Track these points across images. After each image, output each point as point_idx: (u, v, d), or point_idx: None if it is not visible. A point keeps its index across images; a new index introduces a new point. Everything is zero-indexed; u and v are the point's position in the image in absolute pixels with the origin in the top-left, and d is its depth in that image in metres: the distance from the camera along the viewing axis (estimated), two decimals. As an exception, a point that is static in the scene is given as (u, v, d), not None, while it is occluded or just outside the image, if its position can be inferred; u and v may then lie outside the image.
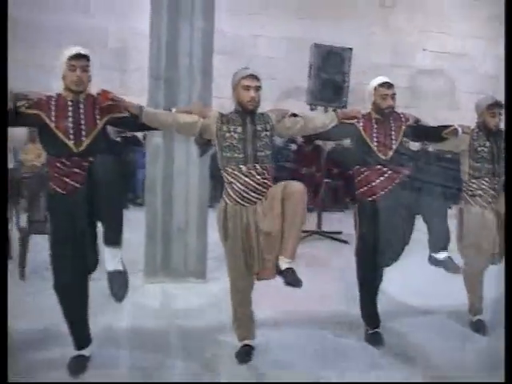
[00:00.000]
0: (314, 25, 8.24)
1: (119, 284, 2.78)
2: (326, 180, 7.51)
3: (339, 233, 6.56)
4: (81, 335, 3.04)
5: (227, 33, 6.92)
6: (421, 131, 3.55)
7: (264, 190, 3.00)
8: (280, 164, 8.06)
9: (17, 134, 4.40)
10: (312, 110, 6.35)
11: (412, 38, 9.83)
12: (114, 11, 8.25)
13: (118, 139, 8.20)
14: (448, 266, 3.27)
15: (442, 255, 3.28)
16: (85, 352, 3.05)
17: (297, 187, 2.86)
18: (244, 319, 3.23)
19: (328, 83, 6.27)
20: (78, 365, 2.98)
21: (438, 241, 3.30)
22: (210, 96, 4.56)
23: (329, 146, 8.08)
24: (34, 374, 2.91)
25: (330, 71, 6.27)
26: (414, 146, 3.97)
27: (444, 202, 3.28)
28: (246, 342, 3.25)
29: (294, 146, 9.28)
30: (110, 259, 2.79)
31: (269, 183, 3.03)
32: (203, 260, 4.69)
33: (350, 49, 6.34)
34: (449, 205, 3.39)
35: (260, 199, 2.99)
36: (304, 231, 6.32)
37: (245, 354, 3.21)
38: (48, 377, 2.89)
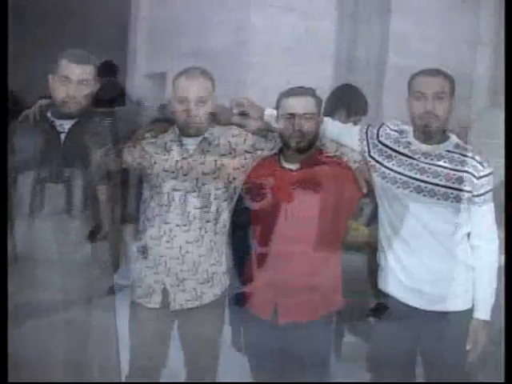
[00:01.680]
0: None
1: None
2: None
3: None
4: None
5: (400, 33, 7.10)
6: None
7: None
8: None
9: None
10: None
11: None
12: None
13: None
14: None
15: None
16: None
17: None
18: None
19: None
20: (238, 300, 3.38)
21: None
22: (382, 94, 5.15)
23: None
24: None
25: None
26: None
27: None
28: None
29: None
30: None
31: None
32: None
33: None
34: None
35: None
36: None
37: (378, 311, 3.37)
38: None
